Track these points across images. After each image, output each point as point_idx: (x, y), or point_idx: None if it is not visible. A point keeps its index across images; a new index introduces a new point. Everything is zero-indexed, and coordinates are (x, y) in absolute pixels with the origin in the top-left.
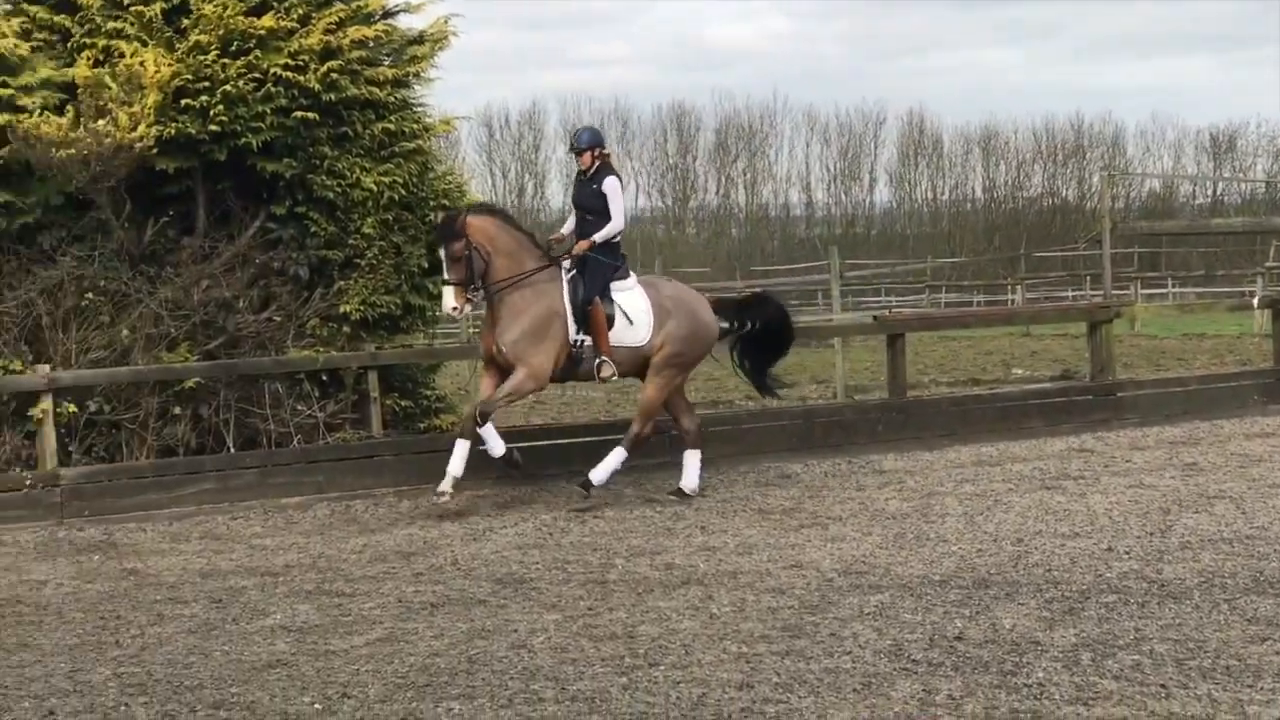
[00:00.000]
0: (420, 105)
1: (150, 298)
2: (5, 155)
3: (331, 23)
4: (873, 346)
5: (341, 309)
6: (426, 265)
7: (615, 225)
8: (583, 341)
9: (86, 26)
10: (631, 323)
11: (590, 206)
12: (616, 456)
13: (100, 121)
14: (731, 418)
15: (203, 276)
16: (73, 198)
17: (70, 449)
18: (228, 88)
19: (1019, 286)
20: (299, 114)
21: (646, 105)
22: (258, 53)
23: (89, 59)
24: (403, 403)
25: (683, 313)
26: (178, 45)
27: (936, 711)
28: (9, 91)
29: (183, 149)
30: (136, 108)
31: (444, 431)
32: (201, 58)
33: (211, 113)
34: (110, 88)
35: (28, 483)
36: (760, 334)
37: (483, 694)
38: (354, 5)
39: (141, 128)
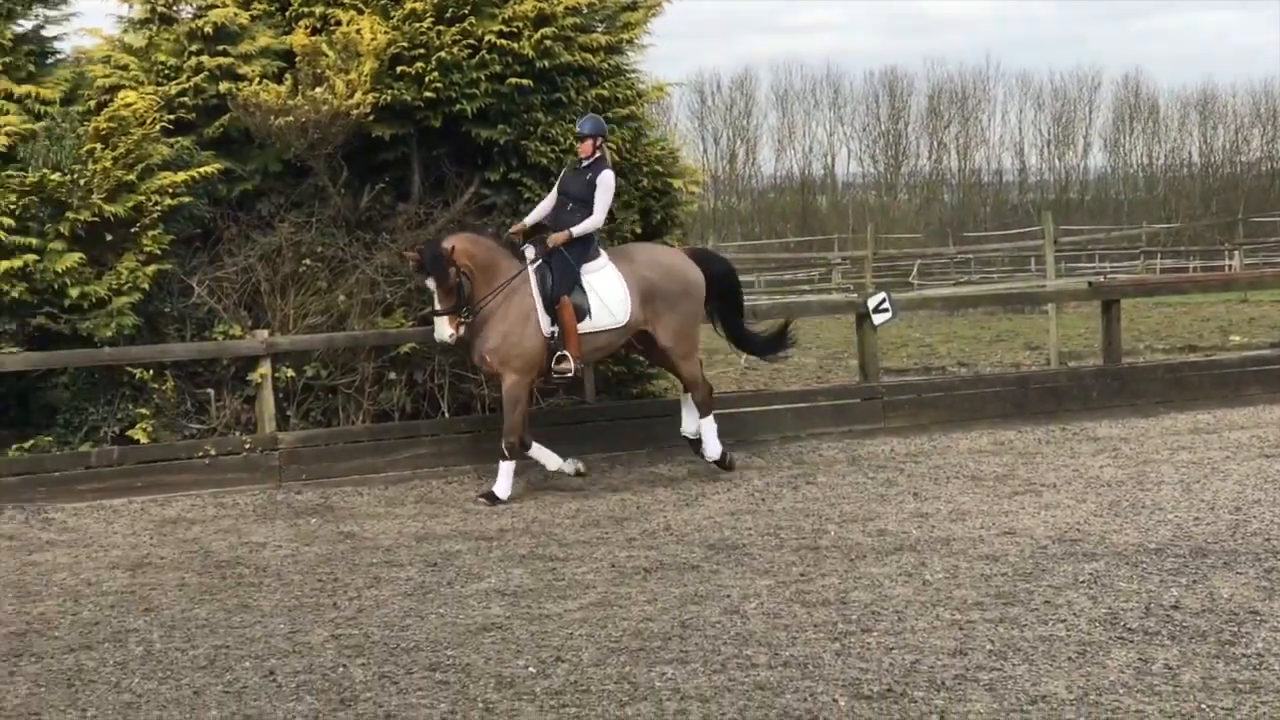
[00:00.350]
0: (633, 72)
1: (366, 263)
2: (225, 123)
3: None
4: (1086, 313)
5: None
6: (640, 231)
7: (595, 221)
8: (556, 334)
9: None
10: (607, 306)
11: (577, 195)
12: (710, 427)
13: (318, 89)
14: (945, 384)
15: (418, 243)
16: (290, 165)
17: (288, 413)
18: (442, 54)
19: (1236, 252)
20: (513, 80)
21: (858, 71)
22: (472, 19)
23: (307, 27)
24: (615, 368)
25: (665, 274)
26: (393, 13)
27: (1153, 681)
28: (229, 60)
29: (398, 116)
30: (353, 75)
31: (656, 397)
32: (417, 25)
33: (427, 79)
34: (328, 55)
35: (247, 446)
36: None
37: (695, 659)
38: None
39: (358, 95)
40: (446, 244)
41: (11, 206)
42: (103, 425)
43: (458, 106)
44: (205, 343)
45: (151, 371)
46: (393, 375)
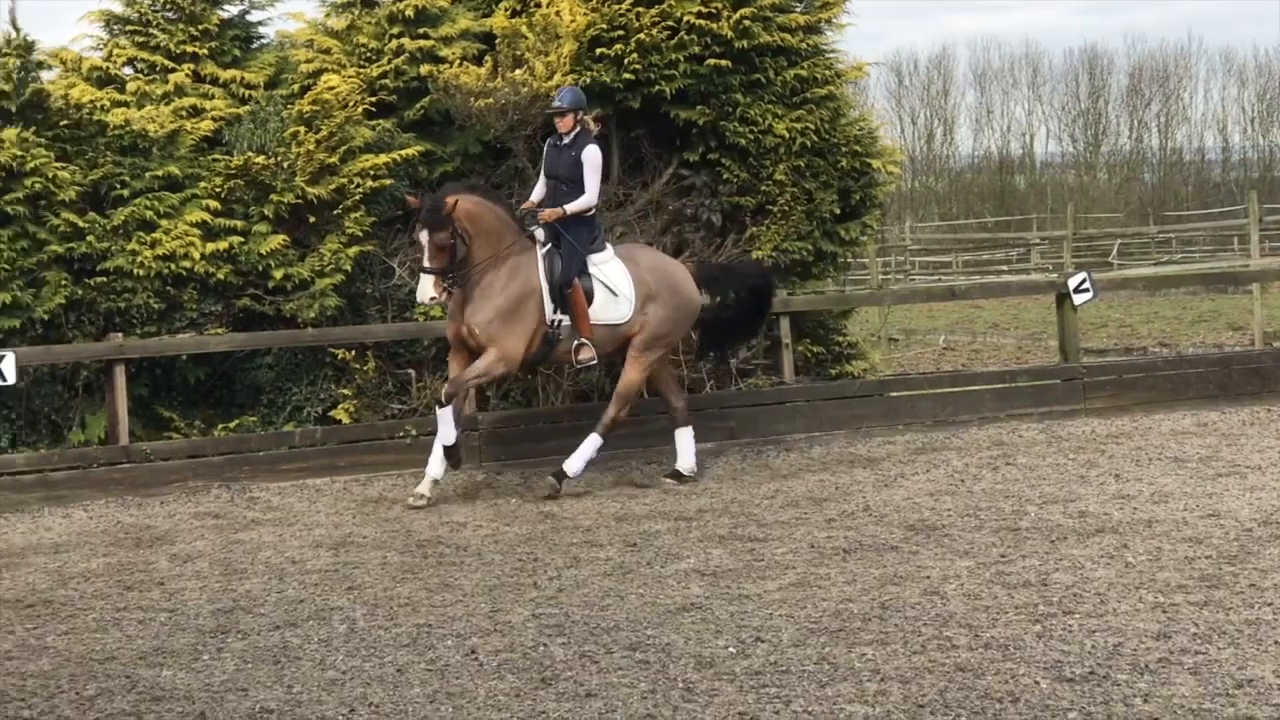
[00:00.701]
0: (832, 51)
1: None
2: (425, 105)
3: None
4: None
5: (754, 255)
6: (839, 211)
7: (589, 199)
8: (559, 322)
9: None
10: (615, 295)
11: (566, 175)
12: (591, 444)
13: (517, 71)
14: (1146, 365)
15: (617, 223)
16: (490, 146)
17: (488, 394)
18: (641, 36)
19: None
20: (711, 61)
21: (1057, 49)
22: (671, 1)
23: (506, 10)
24: (814, 349)
25: (664, 287)
26: None
27: None
28: (430, 43)
29: (597, 97)
30: (553, 57)
31: (856, 378)
32: (616, 7)
33: (626, 61)
34: (527, 38)
35: None
36: (737, 311)
37: (895, 639)
38: None
39: (557, 77)
40: (450, 198)
41: (217, 190)
42: (306, 405)
43: (656, 88)
44: (407, 323)
45: (353, 352)
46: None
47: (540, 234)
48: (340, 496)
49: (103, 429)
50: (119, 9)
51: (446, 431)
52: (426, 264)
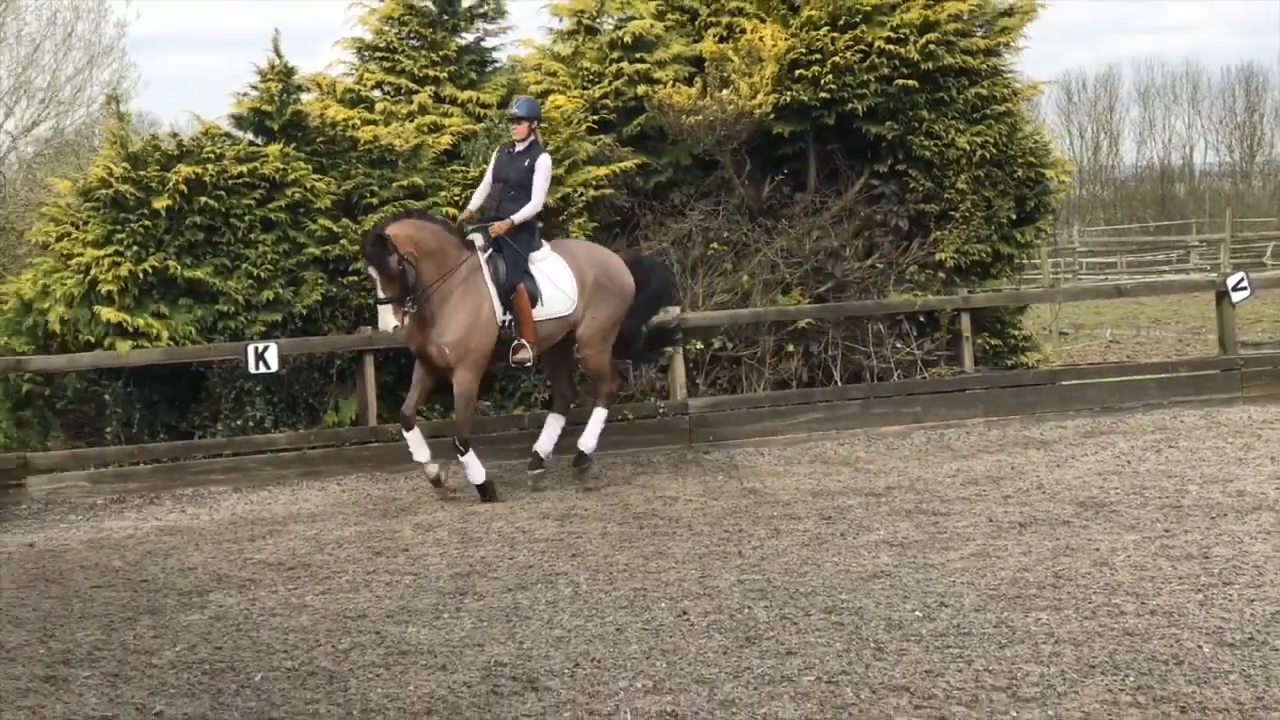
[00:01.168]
0: (1009, 72)
1: (767, 247)
2: (641, 122)
3: None
4: None
5: (937, 257)
6: (1015, 217)
7: (535, 206)
8: (509, 322)
9: (712, 7)
10: (561, 289)
11: (516, 180)
12: (598, 420)
13: (724, 91)
14: None
15: (813, 228)
16: (699, 159)
17: (697, 381)
18: (836, 59)
19: None
20: (899, 81)
21: (1215, 67)
22: (863, 27)
23: (714, 35)
24: (992, 341)
25: (602, 272)
26: (791, 22)
27: None
28: (645, 66)
29: (796, 114)
30: (755, 78)
31: (1030, 368)
32: (813, 33)
33: (822, 81)
34: (732, 61)
35: (661, 411)
36: (645, 299)
37: (1068, 606)
38: None
39: (760, 96)
40: (389, 230)
41: (456, 198)
42: (534, 392)
43: (849, 105)
44: None
45: None
46: (790, 347)
47: (480, 240)
48: (564, 472)
49: (354, 412)
50: (369, 38)
51: (419, 453)
52: (381, 295)
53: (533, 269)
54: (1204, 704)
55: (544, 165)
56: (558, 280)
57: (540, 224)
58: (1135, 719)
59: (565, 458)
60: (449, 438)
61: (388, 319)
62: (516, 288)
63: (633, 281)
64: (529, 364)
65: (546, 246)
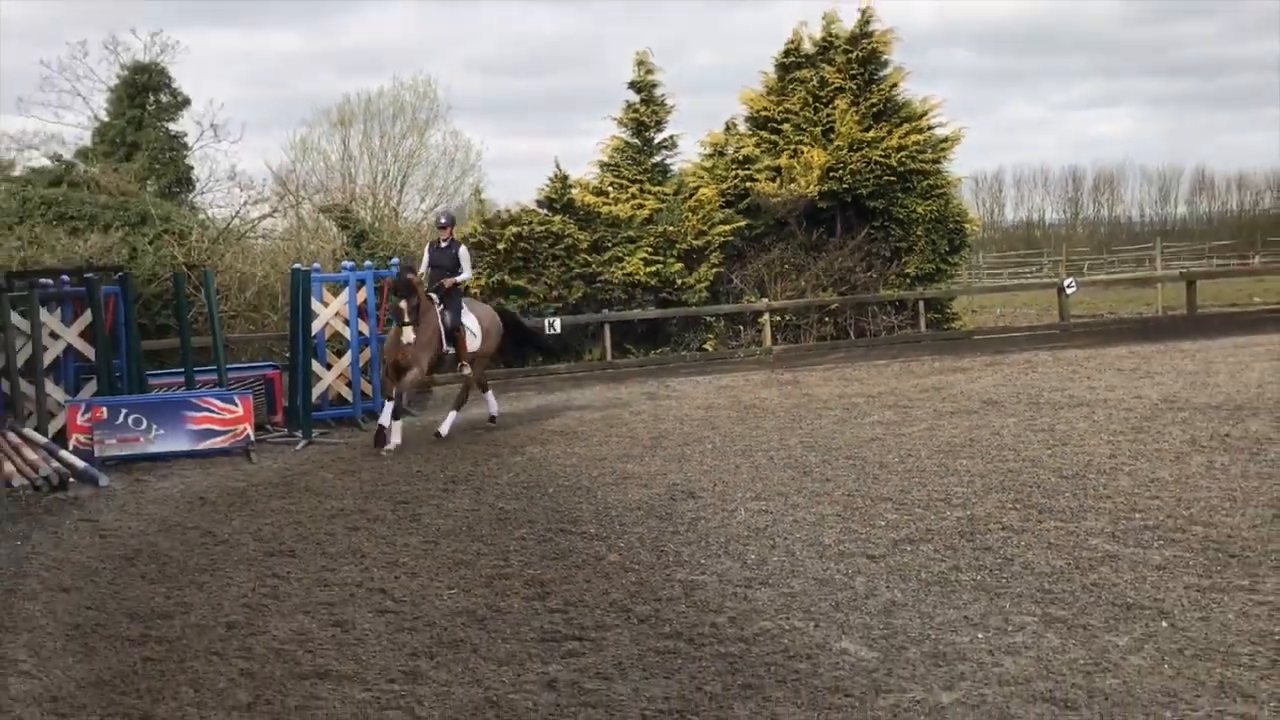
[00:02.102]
0: (946, 171)
1: (814, 266)
2: (747, 201)
3: (902, 133)
4: None
5: (906, 271)
6: (948, 249)
7: (466, 276)
8: (449, 352)
9: (785, 138)
10: (475, 335)
11: (448, 266)
12: (453, 417)
13: (790, 184)
14: (1099, 321)
15: (839, 256)
16: (778, 221)
17: (775, 337)
18: (852, 166)
19: None
20: (886, 178)
21: (1056, 165)
22: (866, 149)
23: (786, 154)
24: (936, 316)
25: (490, 323)
26: (828, 146)
27: (1214, 471)
28: (748, 171)
29: (830, 196)
30: (809, 176)
31: (957, 330)
32: (840, 152)
33: (844, 178)
34: (795, 167)
35: (757, 353)
36: (511, 330)
37: (978, 456)
38: (914, 125)
39: (812, 187)
40: (410, 276)
41: (650, 244)
42: (692, 342)
43: (859, 190)
44: (738, 304)
45: (714, 318)
46: (826, 319)
47: (435, 297)
48: (708, 386)
49: (600, 353)
50: (605, 158)
51: (386, 415)
52: (407, 319)
53: (463, 319)
54: (1050, 508)
55: (465, 253)
56: (474, 328)
57: (692, 257)
58: (1014, 517)
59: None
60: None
61: (409, 335)
62: (459, 327)
63: (503, 324)
64: (467, 373)
65: (465, 306)
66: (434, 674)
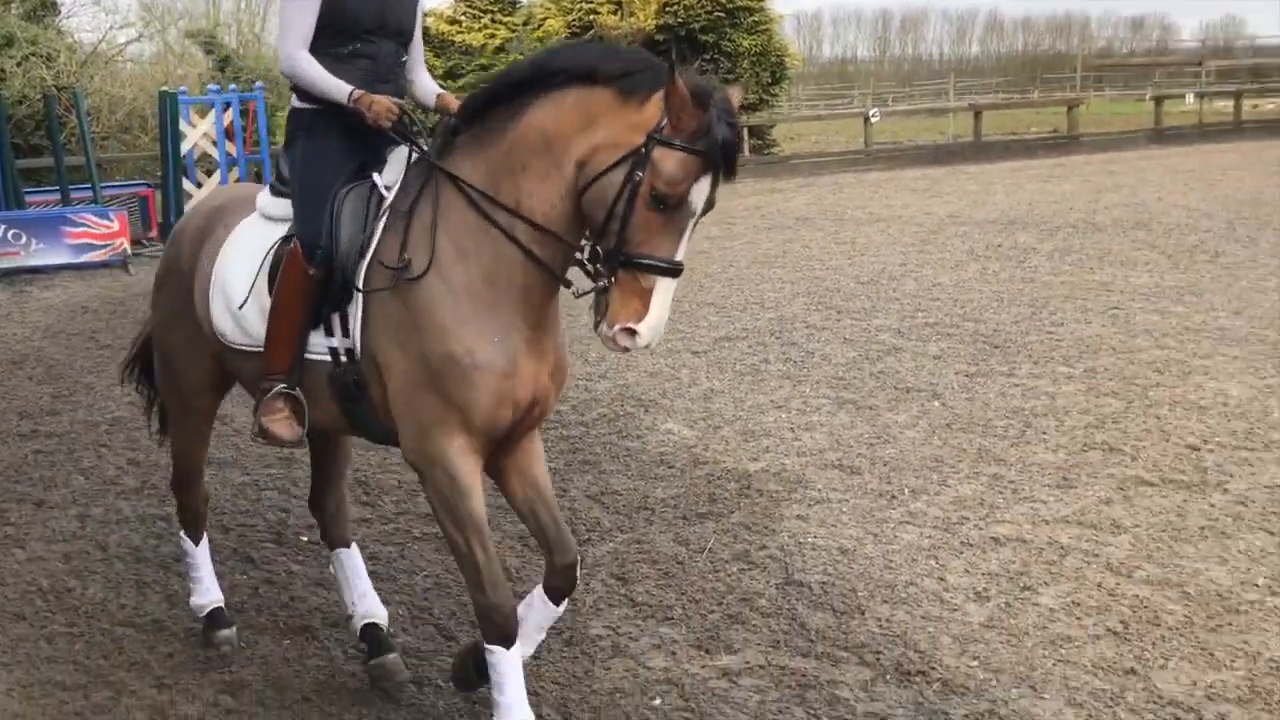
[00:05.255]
0: (770, 9)
1: None
2: (591, 34)
3: None
4: None
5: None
6: (770, 80)
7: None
8: None
9: None
10: None
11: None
12: None
13: (631, 18)
14: (898, 148)
15: None
16: None
17: None
18: (685, 1)
19: None
20: (717, 14)
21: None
22: None
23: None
24: (757, 142)
25: None
26: None
27: (987, 276)
28: (591, 4)
29: (666, 29)
30: (646, 11)
31: (777, 154)
32: None
33: (678, 13)
34: (635, 1)
35: None
36: None
37: (789, 266)
38: None
39: (650, 21)
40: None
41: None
42: None
43: (693, 25)
44: None
45: None
46: None
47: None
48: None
49: None
50: None
51: None
52: None
53: None
54: (847, 309)
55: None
56: None
57: None
58: (816, 317)
59: None
60: None
61: None
62: None
63: None
64: None
65: None
66: (306, 458)
